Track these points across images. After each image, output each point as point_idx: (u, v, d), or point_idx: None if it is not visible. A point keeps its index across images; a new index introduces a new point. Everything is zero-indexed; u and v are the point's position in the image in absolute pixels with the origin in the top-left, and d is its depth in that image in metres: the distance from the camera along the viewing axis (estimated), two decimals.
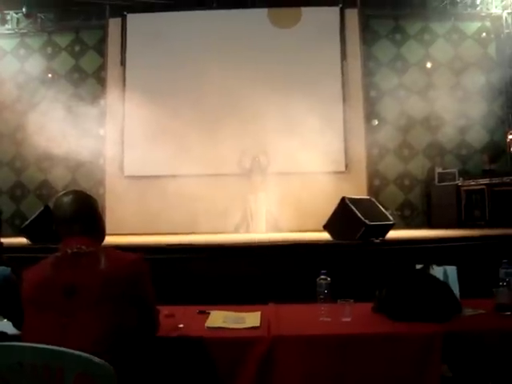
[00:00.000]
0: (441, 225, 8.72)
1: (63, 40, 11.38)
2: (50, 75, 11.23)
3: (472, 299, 2.69)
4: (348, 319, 2.43)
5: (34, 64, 11.21)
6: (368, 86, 10.90)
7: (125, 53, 10.99)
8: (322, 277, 2.57)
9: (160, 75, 10.14)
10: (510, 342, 2.15)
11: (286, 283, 4.14)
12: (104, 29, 11.17)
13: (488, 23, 11.05)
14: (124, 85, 10.87)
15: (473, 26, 11.05)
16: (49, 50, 11.38)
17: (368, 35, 11.07)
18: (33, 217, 6.78)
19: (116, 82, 10.89)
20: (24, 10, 10.78)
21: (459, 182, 9.41)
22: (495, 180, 9.02)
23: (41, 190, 11.01)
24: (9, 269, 2.34)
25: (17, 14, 11.05)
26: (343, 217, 5.76)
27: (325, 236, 6.01)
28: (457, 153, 10.85)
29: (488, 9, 10.87)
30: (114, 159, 10.67)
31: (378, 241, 5.51)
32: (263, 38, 10.54)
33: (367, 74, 10.92)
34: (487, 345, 2.24)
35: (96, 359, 1.58)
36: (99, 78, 11.21)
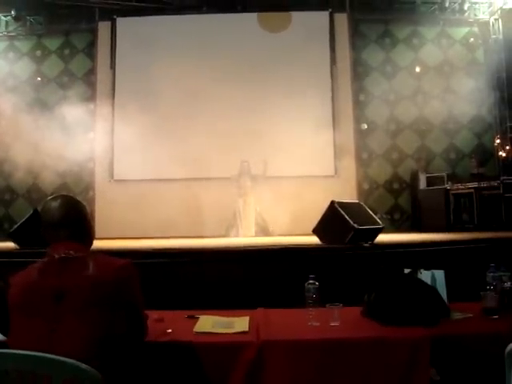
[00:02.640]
0: (430, 228, 8.75)
1: (53, 43, 11.34)
2: (39, 78, 11.19)
3: (460, 303, 2.71)
4: (336, 323, 2.43)
5: (24, 67, 11.20)
6: (357, 90, 10.94)
7: (114, 56, 10.97)
8: (311, 281, 2.57)
9: (150, 79, 10.11)
10: (498, 346, 2.16)
11: (275, 288, 4.13)
12: (94, 32, 11.14)
13: (476, 29, 11.16)
14: (114, 88, 10.86)
15: (461, 31, 11.15)
16: (38, 53, 11.33)
17: (357, 39, 11.13)
18: (21, 221, 6.72)
19: (106, 85, 10.87)
20: (13, 12, 10.72)
21: (448, 186, 9.46)
22: (483, 184, 9.09)
23: (30, 194, 10.94)
24: None
25: (6, 16, 10.99)
26: (332, 221, 5.77)
27: (314, 240, 6.01)
28: (445, 157, 10.92)
29: (476, 15, 10.98)
30: (104, 163, 10.65)
31: (367, 245, 5.52)
32: (253, 42, 10.56)
33: (356, 78, 10.97)
34: (475, 348, 2.25)
35: (84, 366, 1.58)
36: (89, 81, 11.17)
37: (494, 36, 10.84)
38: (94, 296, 1.82)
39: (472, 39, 11.09)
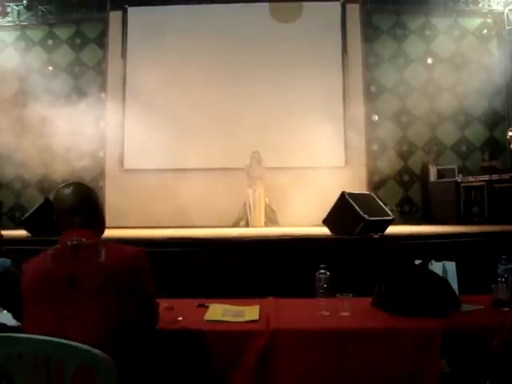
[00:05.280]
0: (440, 221, 8.73)
1: (64, 33, 11.36)
2: (50, 68, 11.22)
3: (470, 295, 2.70)
4: (347, 314, 2.44)
5: (35, 56, 11.24)
6: (368, 81, 10.89)
7: (125, 46, 10.97)
8: (322, 271, 2.57)
9: (160, 68, 10.10)
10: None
11: (286, 277, 4.15)
12: (105, 22, 11.14)
13: (489, 20, 11.04)
14: (125, 78, 10.87)
15: (474, 23, 11.04)
16: (49, 42, 11.37)
17: (369, 30, 11.05)
18: (33, 209, 6.78)
19: (117, 74, 10.88)
20: (25, 2, 10.75)
21: (459, 179, 9.42)
22: (495, 177, 9.03)
23: (41, 183, 11.00)
24: (9, 260, 2.34)
25: (18, 6, 11.01)
26: (342, 212, 5.77)
27: (324, 231, 6.02)
28: (456, 149, 10.86)
29: (489, 5, 10.86)
30: (114, 152, 10.69)
31: (377, 236, 5.52)
32: (264, 32, 10.48)
33: (368, 69, 10.91)
34: (485, 340, 2.24)
35: (96, 351, 1.59)
36: (100, 70, 11.19)
37: (508, 27, 10.73)
38: (106, 283, 1.83)
39: (485, 30, 10.98)
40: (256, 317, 2.45)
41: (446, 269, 2.71)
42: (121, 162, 10.69)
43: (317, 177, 9.52)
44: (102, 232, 2.15)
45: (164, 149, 9.98)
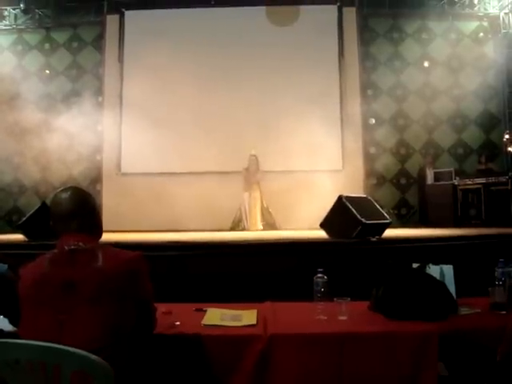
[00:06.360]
0: (437, 224, 8.73)
1: (61, 36, 11.36)
2: (47, 71, 11.22)
3: (468, 298, 2.70)
4: (344, 317, 2.43)
5: (32, 60, 11.23)
6: (365, 84, 10.90)
7: (123, 49, 10.98)
8: (319, 275, 2.56)
9: (158, 72, 10.11)
10: None
11: (283, 281, 4.14)
12: (102, 25, 11.15)
13: (485, 23, 11.08)
14: (121, 81, 10.86)
15: (470, 26, 11.07)
16: (46, 46, 11.36)
17: (366, 33, 11.08)
18: (30, 213, 6.76)
19: (114, 78, 10.88)
20: (22, 5, 10.76)
21: (455, 181, 9.43)
22: (491, 179, 9.05)
23: (38, 187, 10.98)
24: (6, 265, 2.34)
25: (14, 9, 11.02)
26: (340, 215, 5.77)
27: (321, 234, 6.01)
28: (453, 152, 10.88)
29: (485, 9, 10.90)
30: (112, 156, 10.68)
31: (374, 239, 5.51)
32: (261, 35, 10.50)
33: (364, 72, 10.93)
34: (483, 343, 2.24)
35: (93, 356, 1.58)
36: (97, 74, 11.19)
37: (504, 30, 10.77)
38: (104, 288, 1.83)
39: (481, 34, 11.02)
40: (254, 321, 2.45)
41: (443, 272, 2.71)
42: (118, 166, 10.69)
43: (314, 180, 9.51)
44: (100, 236, 2.15)
45: (161, 153, 9.98)
